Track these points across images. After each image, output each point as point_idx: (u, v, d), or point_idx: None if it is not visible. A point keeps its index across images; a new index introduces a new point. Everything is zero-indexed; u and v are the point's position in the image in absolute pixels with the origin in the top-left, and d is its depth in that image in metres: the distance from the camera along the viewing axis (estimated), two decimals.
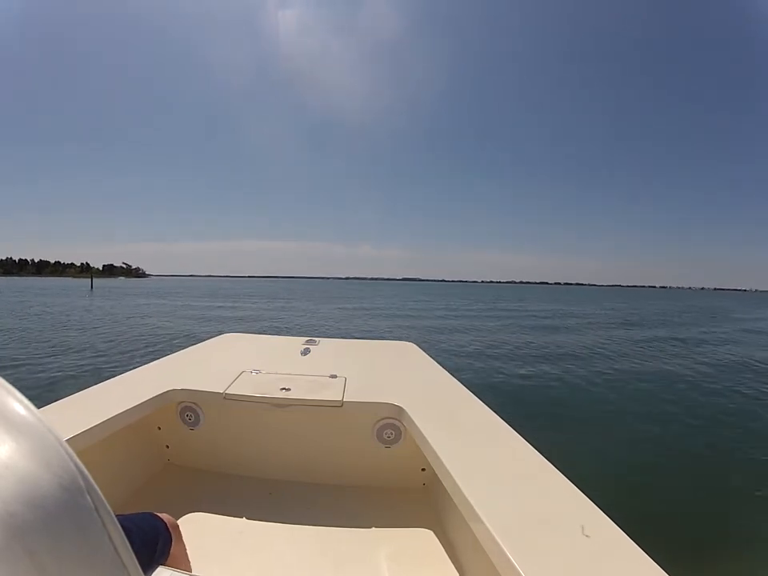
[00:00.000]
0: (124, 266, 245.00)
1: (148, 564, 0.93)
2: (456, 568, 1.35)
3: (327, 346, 2.86)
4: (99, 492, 0.22)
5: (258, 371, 2.06)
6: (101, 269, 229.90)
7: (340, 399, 1.74)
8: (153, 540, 1.01)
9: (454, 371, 2.25)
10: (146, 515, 1.06)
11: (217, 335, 3.13)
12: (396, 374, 2.29)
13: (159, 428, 1.89)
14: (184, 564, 1.12)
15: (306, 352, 2.62)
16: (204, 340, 2.93)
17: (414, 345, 3.04)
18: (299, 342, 2.91)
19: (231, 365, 2.14)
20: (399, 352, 2.87)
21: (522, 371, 7.15)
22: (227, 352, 2.70)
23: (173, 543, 1.05)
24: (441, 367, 2.41)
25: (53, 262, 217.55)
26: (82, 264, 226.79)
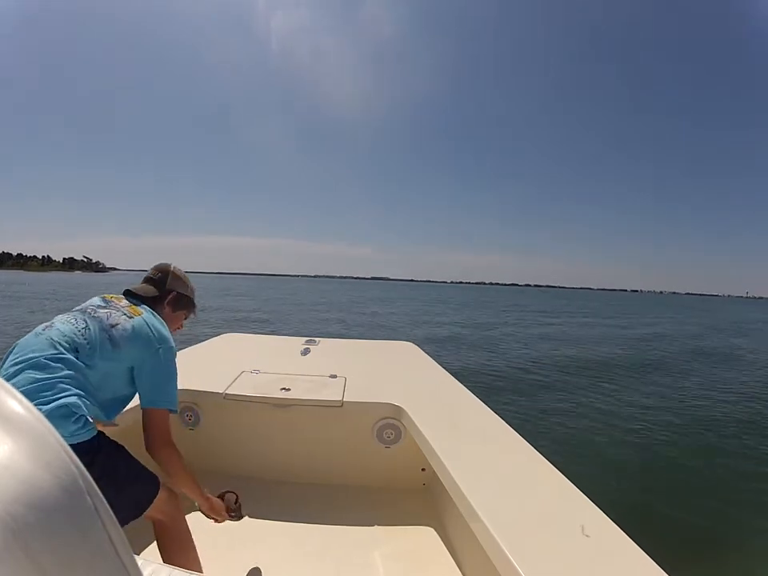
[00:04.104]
0: (84, 259, 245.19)
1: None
2: (456, 567, 1.35)
3: (327, 346, 2.85)
4: (100, 493, 0.22)
5: (258, 371, 2.06)
6: (61, 261, 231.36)
7: (340, 399, 1.74)
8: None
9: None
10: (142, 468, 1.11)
11: (216, 336, 3.12)
12: (396, 374, 2.29)
13: None
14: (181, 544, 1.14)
15: (305, 352, 2.62)
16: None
17: (414, 345, 3.03)
18: (299, 342, 2.91)
19: (231, 365, 2.14)
20: (399, 352, 2.87)
21: (527, 373, 7.16)
22: (227, 352, 2.69)
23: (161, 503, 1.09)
24: (441, 367, 2.41)
25: (15, 254, 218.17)
26: (42, 257, 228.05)
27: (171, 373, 1.21)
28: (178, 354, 2.51)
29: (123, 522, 1.00)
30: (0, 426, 0.21)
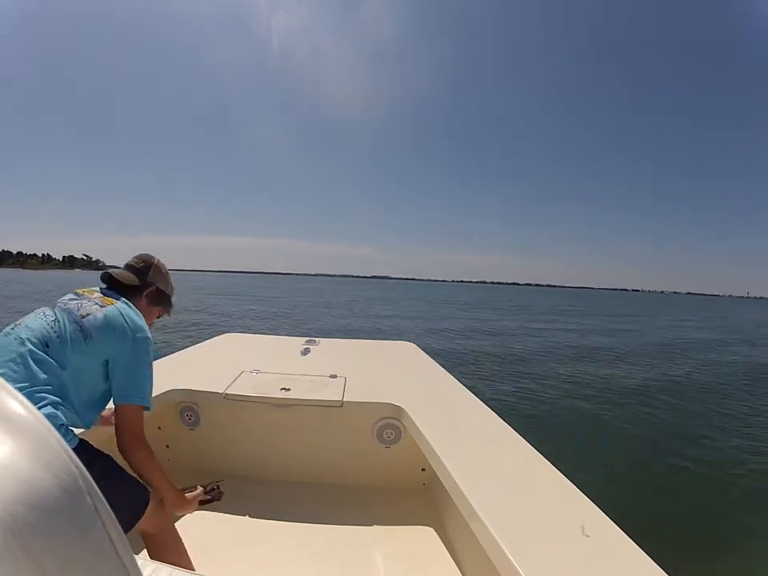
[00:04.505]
0: (84, 257, 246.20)
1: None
2: (456, 567, 1.35)
3: (327, 346, 2.85)
4: (100, 493, 0.22)
5: (258, 371, 2.06)
6: (61, 260, 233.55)
7: (340, 399, 1.74)
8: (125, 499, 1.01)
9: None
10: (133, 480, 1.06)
11: (217, 335, 3.13)
12: (396, 374, 2.29)
13: (159, 428, 1.89)
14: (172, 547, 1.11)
15: (306, 352, 2.62)
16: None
17: (414, 345, 3.04)
18: (299, 342, 2.91)
19: (231, 365, 2.14)
20: (399, 352, 2.87)
21: (526, 372, 7.15)
22: (227, 352, 2.69)
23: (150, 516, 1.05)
24: (441, 367, 2.41)
25: (15, 252, 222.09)
26: (42, 255, 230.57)
27: (147, 366, 1.12)
28: (178, 354, 2.52)
29: (121, 523, 0.99)
30: (0, 427, 0.21)
